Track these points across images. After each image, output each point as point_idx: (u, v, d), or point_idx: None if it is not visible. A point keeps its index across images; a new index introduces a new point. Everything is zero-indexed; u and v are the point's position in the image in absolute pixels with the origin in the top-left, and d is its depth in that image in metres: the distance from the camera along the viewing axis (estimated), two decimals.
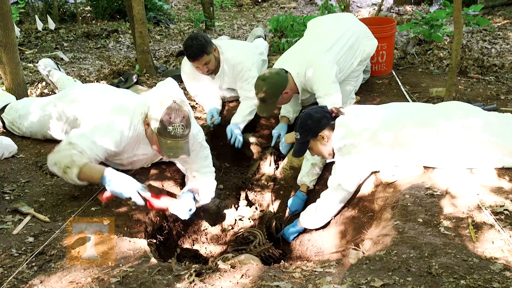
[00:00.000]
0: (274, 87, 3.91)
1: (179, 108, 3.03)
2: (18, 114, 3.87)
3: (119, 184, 2.89)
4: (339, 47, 4.16)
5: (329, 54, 4.07)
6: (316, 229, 3.59)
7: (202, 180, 3.53)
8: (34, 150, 3.77)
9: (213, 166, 3.89)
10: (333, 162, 3.46)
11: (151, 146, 3.27)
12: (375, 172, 3.38)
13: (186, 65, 4.63)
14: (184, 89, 4.95)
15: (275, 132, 4.45)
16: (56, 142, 3.80)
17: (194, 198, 3.38)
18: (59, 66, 5.00)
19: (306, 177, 3.91)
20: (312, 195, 3.90)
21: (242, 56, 4.55)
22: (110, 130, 3.12)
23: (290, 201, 3.97)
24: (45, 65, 4.87)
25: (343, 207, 3.45)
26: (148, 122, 3.13)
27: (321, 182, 3.90)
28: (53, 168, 3.03)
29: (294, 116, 4.51)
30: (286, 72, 4.03)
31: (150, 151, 3.37)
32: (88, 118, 3.34)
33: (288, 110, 4.47)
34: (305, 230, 3.64)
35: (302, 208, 3.83)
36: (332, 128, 3.31)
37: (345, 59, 4.21)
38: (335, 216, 3.47)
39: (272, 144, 4.47)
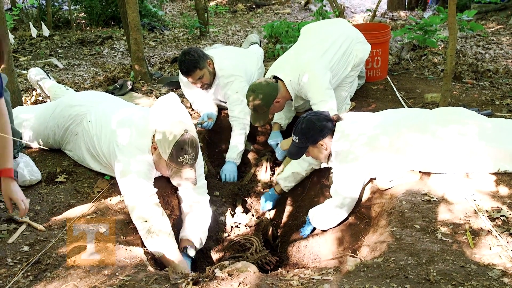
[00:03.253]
0: (264, 97, 3.93)
1: (190, 138, 3.04)
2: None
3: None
4: (332, 53, 4.16)
5: (322, 61, 4.08)
6: (313, 236, 3.59)
7: (194, 223, 3.45)
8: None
9: (209, 172, 3.88)
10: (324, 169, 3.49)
11: (155, 168, 3.26)
12: (372, 178, 3.38)
13: (181, 75, 4.62)
14: (180, 95, 4.95)
15: (272, 143, 4.47)
16: (52, 150, 3.80)
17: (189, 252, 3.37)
18: (49, 75, 4.99)
19: (283, 180, 4.00)
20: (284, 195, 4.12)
21: (231, 76, 4.47)
22: (140, 165, 3.14)
23: (262, 201, 4.11)
24: (35, 73, 4.87)
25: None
26: (155, 146, 3.13)
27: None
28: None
29: (286, 123, 4.55)
30: (277, 80, 4.04)
31: None
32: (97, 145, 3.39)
33: (280, 117, 4.49)
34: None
35: (273, 205, 4.10)
36: (332, 135, 3.30)
37: (338, 65, 4.21)
38: (344, 220, 3.46)
39: (279, 156, 4.47)
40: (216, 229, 3.79)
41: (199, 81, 4.36)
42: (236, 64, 4.59)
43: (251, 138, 4.75)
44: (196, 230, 3.38)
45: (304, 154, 3.48)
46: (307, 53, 4.15)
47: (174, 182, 3.21)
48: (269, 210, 4.15)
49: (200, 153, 3.41)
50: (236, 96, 4.43)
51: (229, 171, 4.34)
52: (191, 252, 3.26)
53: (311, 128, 3.29)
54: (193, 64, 4.24)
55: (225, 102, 4.68)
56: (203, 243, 3.44)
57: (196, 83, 4.39)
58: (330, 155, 3.39)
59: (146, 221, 2.97)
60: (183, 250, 3.25)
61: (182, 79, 4.71)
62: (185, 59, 4.23)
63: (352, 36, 4.41)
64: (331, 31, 4.37)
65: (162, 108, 3.21)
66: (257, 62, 5.07)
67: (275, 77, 4.11)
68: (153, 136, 3.14)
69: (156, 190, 3.12)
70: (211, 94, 4.64)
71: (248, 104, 4.03)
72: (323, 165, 3.63)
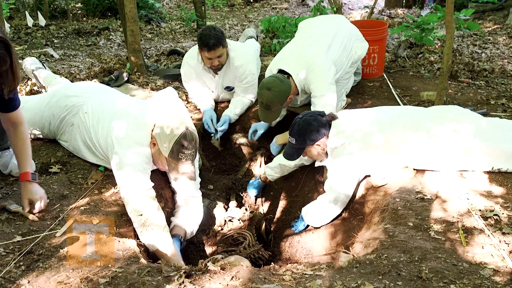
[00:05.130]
0: (280, 95, 3.88)
1: (191, 135, 3.07)
2: None
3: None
4: (336, 48, 4.15)
5: (328, 55, 4.06)
6: (306, 231, 3.59)
7: (188, 215, 3.47)
8: None
9: (203, 165, 3.88)
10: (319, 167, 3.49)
11: (152, 163, 3.27)
12: (367, 176, 3.37)
13: (191, 59, 4.58)
14: (177, 88, 4.93)
15: (252, 126, 4.48)
16: (48, 141, 3.78)
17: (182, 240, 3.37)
18: (44, 65, 4.97)
19: (269, 169, 4.01)
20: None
21: (246, 59, 4.55)
22: (138, 157, 3.14)
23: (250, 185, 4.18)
24: (31, 63, 4.85)
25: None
26: (155, 142, 3.14)
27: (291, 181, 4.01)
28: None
29: (277, 121, 4.51)
30: (288, 76, 4.01)
31: None
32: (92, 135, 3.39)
33: None
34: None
35: (259, 193, 4.17)
36: (328, 134, 3.30)
37: (341, 60, 4.21)
38: (338, 217, 3.46)
39: (249, 137, 4.52)
40: (209, 223, 3.79)
41: (217, 60, 4.35)
42: (247, 50, 4.74)
43: (242, 130, 4.75)
44: (190, 220, 3.41)
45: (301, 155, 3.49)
46: (313, 47, 4.11)
47: (173, 176, 3.22)
48: (255, 198, 4.20)
49: None
50: (252, 77, 4.57)
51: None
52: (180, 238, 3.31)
53: (308, 129, 3.28)
54: (218, 39, 4.23)
55: (230, 89, 4.69)
56: (194, 233, 3.47)
57: (213, 61, 4.36)
58: (326, 154, 3.39)
59: (141, 214, 2.97)
60: (174, 236, 3.28)
61: (189, 63, 4.60)
62: (211, 34, 4.20)
63: (351, 32, 4.41)
64: (331, 27, 4.35)
65: (161, 103, 3.21)
66: (256, 57, 5.08)
67: (281, 71, 4.08)
68: (152, 130, 3.15)
69: (153, 184, 3.11)
70: (216, 80, 4.63)
71: (262, 102, 3.95)
72: (317, 163, 3.61)
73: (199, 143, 3.85)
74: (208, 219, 3.78)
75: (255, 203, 4.20)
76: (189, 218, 3.42)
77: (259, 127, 4.44)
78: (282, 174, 4.03)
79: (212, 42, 4.21)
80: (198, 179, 3.59)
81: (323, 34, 4.23)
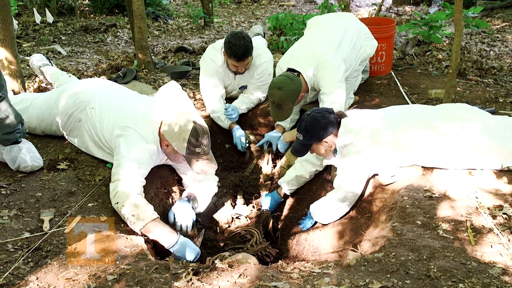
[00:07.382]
0: (291, 94, 3.87)
1: (202, 128, 3.10)
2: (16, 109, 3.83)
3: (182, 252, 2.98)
4: (346, 45, 4.15)
5: (338, 52, 4.05)
6: (313, 229, 3.59)
7: (202, 186, 3.54)
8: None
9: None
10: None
11: (172, 159, 3.34)
12: (375, 174, 3.36)
13: (215, 57, 4.49)
14: (183, 85, 4.92)
15: (264, 140, 4.47)
16: (54, 137, 3.80)
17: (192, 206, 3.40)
18: (51, 61, 4.98)
19: (286, 184, 3.93)
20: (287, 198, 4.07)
21: (267, 59, 4.56)
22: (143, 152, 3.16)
23: (263, 199, 4.06)
24: (38, 59, 4.86)
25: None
26: (167, 143, 3.17)
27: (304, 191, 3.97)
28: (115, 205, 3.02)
29: (290, 126, 4.48)
30: (298, 74, 4.00)
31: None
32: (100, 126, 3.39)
33: (286, 120, 4.37)
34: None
35: (275, 209, 4.01)
36: (337, 131, 3.28)
37: (351, 58, 4.20)
38: (345, 214, 3.44)
39: (264, 147, 4.52)
40: (217, 220, 3.80)
41: (243, 67, 4.38)
42: (268, 51, 4.72)
43: (250, 128, 4.75)
44: (199, 192, 3.52)
45: (309, 151, 3.47)
46: (322, 45, 4.10)
47: (195, 170, 3.27)
48: (269, 210, 4.10)
49: None
50: (268, 77, 4.53)
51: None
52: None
53: (315, 125, 3.26)
54: (248, 50, 4.23)
55: (244, 88, 4.70)
56: (201, 210, 3.56)
57: (239, 69, 4.39)
58: (334, 152, 3.38)
59: (117, 202, 2.96)
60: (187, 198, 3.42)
61: (214, 60, 4.50)
62: (241, 44, 4.17)
63: (360, 30, 4.40)
64: (340, 24, 4.34)
65: (167, 99, 3.22)
66: None
67: (290, 69, 4.07)
68: (159, 127, 3.16)
69: (144, 182, 3.13)
70: (235, 81, 4.64)
71: (273, 102, 3.94)
72: (325, 162, 3.60)
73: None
74: (215, 216, 3.78)
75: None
76: (199, 191, 3.53)
77: (271, 140, 4.42)
78: (299, 186, 3.97)
79: (242, 53, 4.20)
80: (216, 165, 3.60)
81: (333, 31, 4.22)
